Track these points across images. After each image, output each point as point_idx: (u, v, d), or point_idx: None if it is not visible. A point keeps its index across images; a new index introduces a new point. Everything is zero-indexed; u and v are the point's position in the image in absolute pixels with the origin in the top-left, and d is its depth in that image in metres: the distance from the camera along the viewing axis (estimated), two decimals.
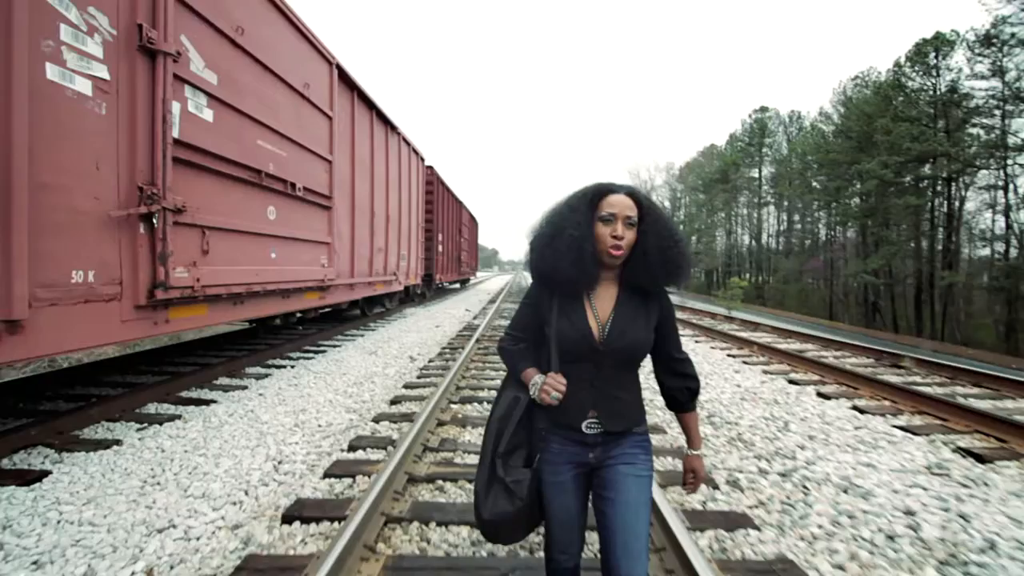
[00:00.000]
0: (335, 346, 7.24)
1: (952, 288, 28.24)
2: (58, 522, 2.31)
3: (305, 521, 2.26)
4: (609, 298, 1.25)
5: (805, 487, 2.64)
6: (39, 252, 2.54)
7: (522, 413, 1.26)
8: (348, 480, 2.72)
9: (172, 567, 1.98)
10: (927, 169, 28.64)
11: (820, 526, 2.25)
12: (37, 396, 4.29)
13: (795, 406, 4.13)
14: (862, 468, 2.86)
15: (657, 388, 1.37)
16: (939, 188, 29.74)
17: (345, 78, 6.60)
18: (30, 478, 2.74)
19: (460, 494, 2.57)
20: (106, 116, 2.96)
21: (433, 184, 14.24)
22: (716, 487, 2.68)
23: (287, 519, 2.28)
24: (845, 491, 2.60)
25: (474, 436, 3.44)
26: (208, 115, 3.80)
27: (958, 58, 28.59)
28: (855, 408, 4.07)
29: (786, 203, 45.44)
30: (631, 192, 1.23)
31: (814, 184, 39.26)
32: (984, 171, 28.08)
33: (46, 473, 2.81)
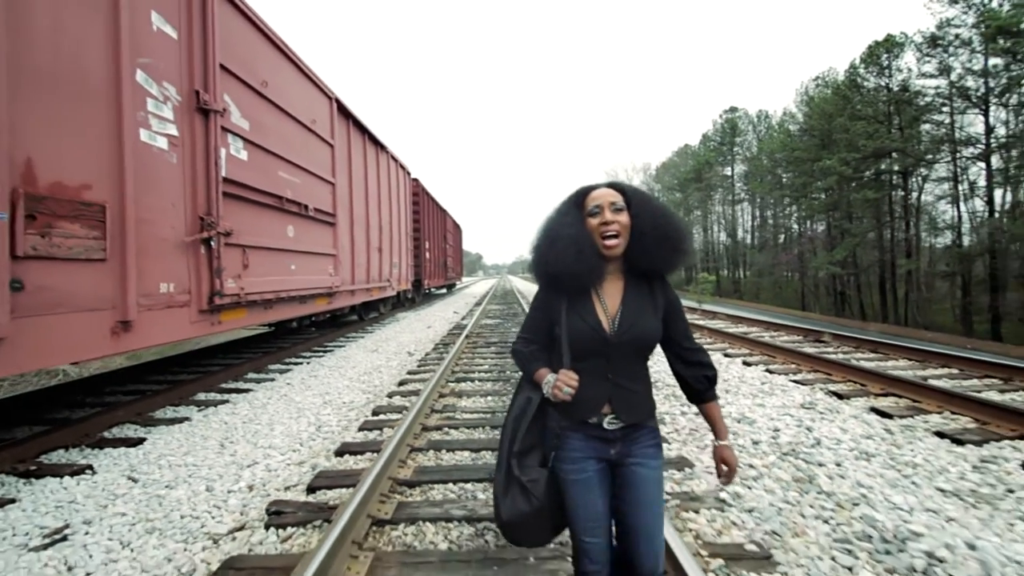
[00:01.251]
0: (340, 346, 8.11)
1: (911, 275, 29.91)
2: (169, 466, 3.19)
3: (352, 454, 3.19)
4: (616, 291, 1.28)
5: None
6: (140, 271, 3.42)
7: (535, 412, 1.29)
8: (377, 432, 3.65)
9: (264, 484, 2.88)
10: (883, 165, 30.37)
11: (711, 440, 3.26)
12: (98, 391, 5.11)
13: (724, 372, 5.18)
14: (755, 407, 3.90)
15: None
16: (896, 182, 31.44)
17: (343, 109, 7.51)
18: (133, 442, 3.61)
19: (460, 436, 3.52)
20: (176, 164, 3.86)
21: (419, 195, 15.15)
22: None
23: (338, 454, 3.21)
24: (738, 421, 3.62)
25: (468, 403, 4.39)
26: (244, 155, 4.70)
27: (908, 59, 30.27)
28: (767, 370, 5.17)
29: (758, 200, 47.17)
30: (611, 183, 1.29)
31: (784, 179, 40.97)
32: (938, 164, 29.88)
33: (143, 439, 3.68)
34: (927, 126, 29.10)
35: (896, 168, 30.27)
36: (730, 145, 50.01)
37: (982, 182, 27.08)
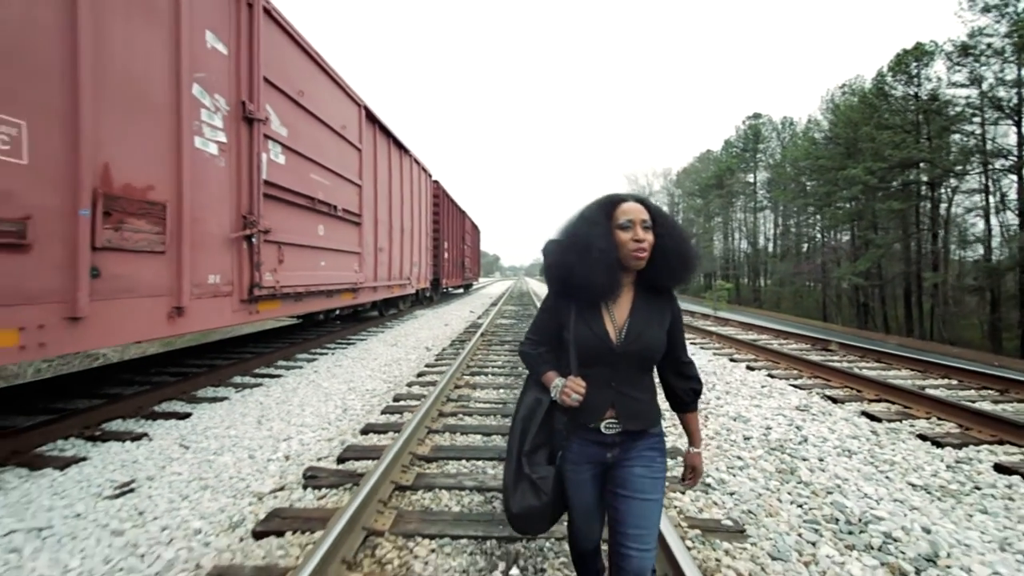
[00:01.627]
0: (362, 339, 8.52)
1: (938, 288, 29.22)
2: (215, 437, 3.57)
3: (376, 432, 3.54)
4: (625, 303, 1.30)
5: (707, 416, 3.90)
6: (193, 263, 3.82)
7: (544, 414, 1.34)
8: (397, 416, 3.99)
9: (299, 455, 3.24)
10: (911, 175, 29.77)
11: (707, 435, 3.51)
12: (143, 371, 5.57)
13: (727, 376, 5.38)
14: (752, 408, 4.12)
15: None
16: (924, 192, 30.76)
17: (370, 116, 7.92)
18: (181, 415, 4.02)
19: (473, 422, 3.83)
20: (224, 168, 4.26)
21: (439, 197, 15.57)
22: None
23: (363, 432, 3.56)
24: (734, 419, 3.86)
25: (482, 394, 4.70)
26: (281, 160, 5.10)
27: (938, 67, 29.61)
28: (769, 375, 5.36)
29: (781, 207, 46.55)
30: (640, 199, 1.30)
31: (808, 187, 40.37)
32: (969, 176, 29.14)
33: (189, 414, 4.08)
34: (957, 136, 28.46)
35: (924, 179, 29.63)
36: (753, 152, 49.45)
37: (1014, 195, 26.38)
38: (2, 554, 2.12)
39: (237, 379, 5.36)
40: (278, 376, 5.53)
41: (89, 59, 2.91)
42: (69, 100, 2.81)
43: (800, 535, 2.20)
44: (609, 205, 1.29)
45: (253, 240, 4.55)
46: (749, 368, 5.81)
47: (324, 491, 2.64)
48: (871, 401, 4.31)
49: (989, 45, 26.06)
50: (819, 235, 42.45)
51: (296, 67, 5.44)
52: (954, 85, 27.91)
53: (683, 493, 2.58)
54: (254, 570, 1.91)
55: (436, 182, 15.22)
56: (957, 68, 27.73)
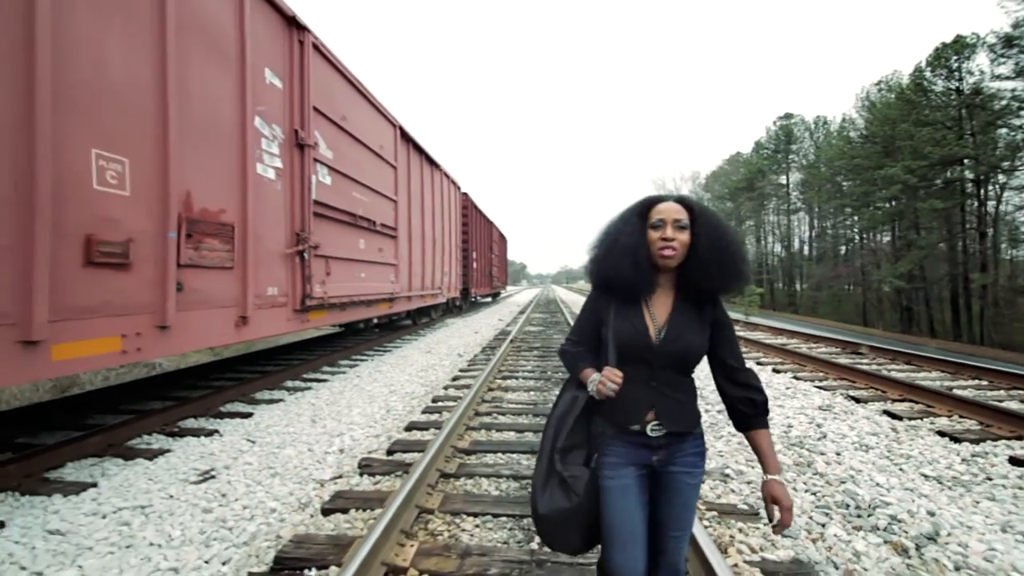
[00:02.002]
0: (397, 347, 8.95)
1: (987, 290, 27.86)
2: (276, 433, 3.98)
3: (420, 428, 3.88)
4: (666, 304, 1.29)
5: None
6: (255, 277, 4.28)
7: (580, 411, 1.30)
8: (437, 415, 4.32)
9: (351, 448, 3.60)
10: (951, 173, 28.64)
11: (728, 433, 3.69)
12: (205, 376, 6.11)
13: None
14: (775, 407, 4.27)
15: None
16: (969, 190, 29.49)
17: (405, 135, 8.41)
18: (244, 415, 4.47)
19: (507, 420, 4.12)
20: (280, 190, 4.73)
21: (468, 208, 16.05)
22: None
23: (407, 429, 3.90)
24: None
25: (513, 396, 4.99)
26: (328, 180, 5.57)
27: (980, 60, 28.50)
28: (795, 377, 5.45)
29: (816, 209, 45.30)
30: (680, 199, 1.29)
31: (844, 187, 39.18)
32: (1019, 171, 27.79)
33: (251, 414, 4.53)
34: (1004, 131, 27.23)
35: (969, 176, 28.41)
36: (785, 153, 48.37)
37: None
38: (116, 525, 2.53)
39: (289, 383, 5.83)
40: (325, 380, 5.97)
41: (175, 103, 3.39)
42: (160, 139, 3.29)
43: (811, 517, 2.39)
44: (645, 205, 1.31)
45: (305, 255, 5.00)
46: (775, 371, 5.91)
47: (378, 478, 2.98)
48: (895, 401, 4.38)
49: None
50: (857, 236, 41.09)
51: (340, 94, 5.93)
52: (999, 78, 26.78)
53: (703, 482, 2.79)
54: (327, 538, 2.25)
55: (465, 194, 15.71)
56: (1002, 60, 26.61)
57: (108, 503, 2.76)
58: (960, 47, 29.13)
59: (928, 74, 30.22)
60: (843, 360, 6.58)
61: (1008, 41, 25.75)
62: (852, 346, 7.51)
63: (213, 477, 3.13)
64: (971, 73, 28.52)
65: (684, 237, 1.24)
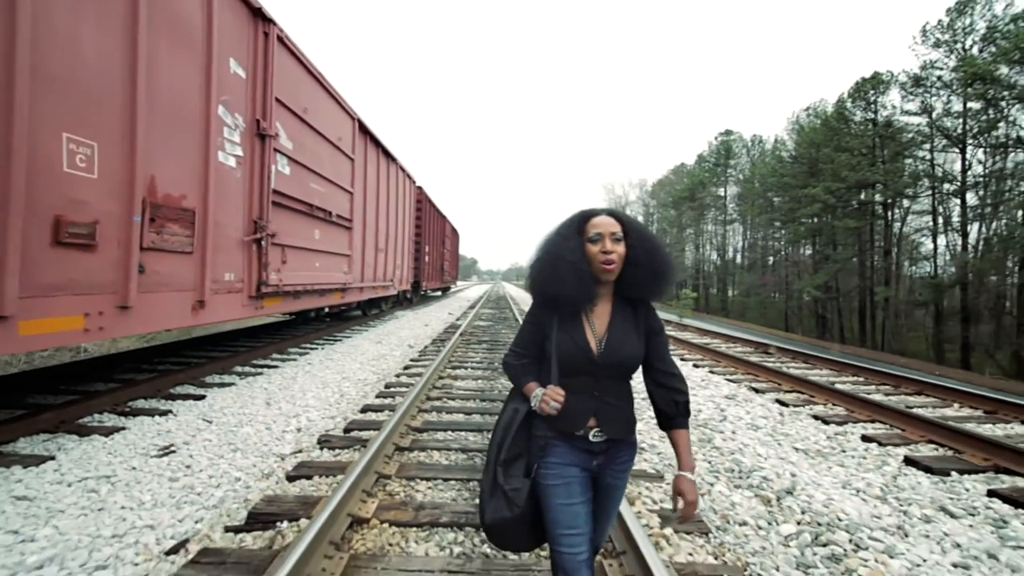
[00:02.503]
0: (348, 337, 9.06)
1: (888, 302, 31.15)
2: (232, 414, 4.13)
3: (374, 411, 4.17)
4: (604, 313, 1.34)
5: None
6: (213, 262, 4.38)
7: (520, 423, 1.36)
8: (390, 399, 4.62)
9: (308, 428, 3.84)
10: (864, 196, 31.78)
11: (648, 416, 4.26)
12: (148, 360, 6.03)
13: None
14: (690, 396, 4.90)
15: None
16: (878, 212, 32.77)
17: (363, 128, 8.52)
18: (197, 397, 4.56)
19: (455, 405, 4.49)
20: (240, 178, 4.83)
21: (422, 202, 16.15)
22: None
23: (362, 411, 4.18)
24: None
25: (462, 384, 5.36)
26: (287, 170, 5.68)
27: (893, 96, 31.70)
28: (710, 371, 6.21)
29: (749, 221, 48.53)
30: (611, 212, 1.34)
31: (775, 203, 42.26)
32: (919, 198, 31.24)
33: (203, 396, 4.62)
34: (909, 161, 30.50)
35: (879, 199, 31.63)
36: (724, 167, 51.44)
37: (958, 217, 28.48)
38: (84, 492, 2.68)
39: (238, 368, 5.89)
40: (276, 367, 6.07)
41: (144, 88, 3.48)
42: (128, 124, 3.38)
43: (703, 479, 2.95)
44: (581, 220, 1.35)
45: (262, 243, 5.11)
46: (695, 366, 6.66)
47: (337, 451, 3.27)
48: (786, 392, 5.18)
49: (939, 78, 28.00)
50: (784, 249, 44.54)
51: (302, 86, 6.03)
52: (907, 113, 29.95)
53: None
54: (295, 497, 2.54)
55: (419, 188, 15.81)
56: (910, 97, 29.73)
57: (71, 473, 2.88)
58: (877, 82, 32.20)
59: (849, 104, 33.24)
60: (754, 358, 7.48)
61: (916, 81, 28.83)
62: (763, 347, 8.51)
63: (174, 452, 3.29)
64: (884, 107, 31.67)
65: (621, 249, 1.29)
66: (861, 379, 6.03)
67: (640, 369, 1.39)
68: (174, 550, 2.15)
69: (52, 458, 3.09)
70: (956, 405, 4.80)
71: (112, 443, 3.39)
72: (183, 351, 6.76)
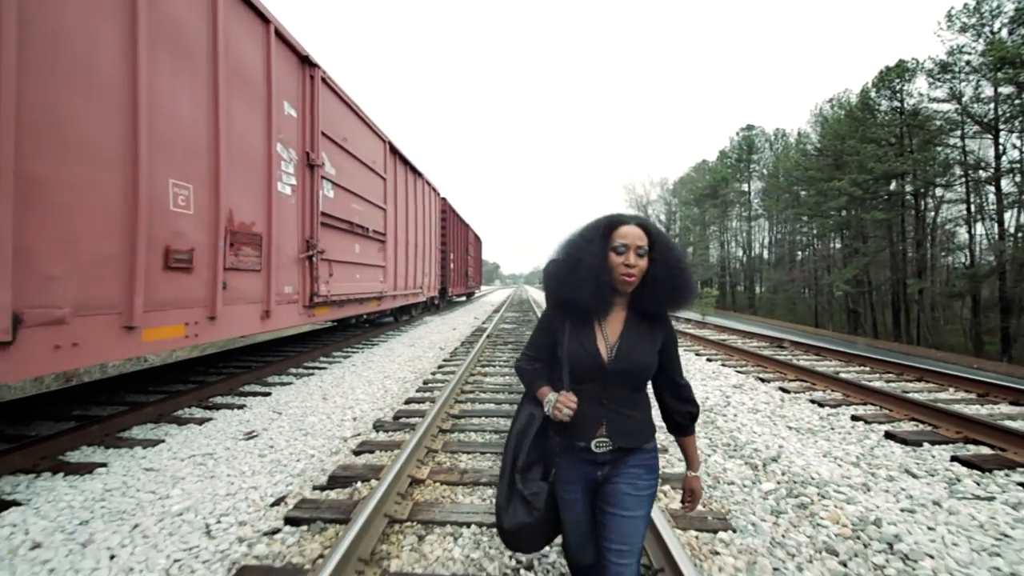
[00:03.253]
0: (383, 341, 9.78)
1: (923, 294, 30.34)
2: (296, 407, 4.82)
3: (416, 402, 4.80)
4: (618, 322, 1.33)
5: None
6: (276, 278, 5.10)
7: (537, 428, 1.39)
8: (429, 393, 5.24)
9: (362, 417, 4.48)
10: (893, 186, 31.10)
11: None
12: (212, 365, 6.83)
13: (689, 366, 6.65)
14: (699, 386, 5.37)
15: None
16: (908, 202, 31.97)
17: (393, 149, 9.26)
18: (263, 394, 5.28)
19: (486, 396, 5.07)
20: (295, 204, 5.55)
21: (446, 212, 16.91)
22: None
23: (406, 403, 4.82)
24: None
25: (491, 380, 5.95)
26: (331, 194, 6.40)
27: (920, 84, 30.94)
28: (722, 365, 6.62)
29: (775, 216, 47.80)
30: (641, 223, 1.31)
31: (802, 195, 41.50)
32: (953, 186, 30.39)
33: (269, 393, 5.34)
34: (939, 149, 29.70)
35: (908, 190, 30.90)
36: (747, 162, 50.87)
37: (994, 204, 27.61)
38: (195, 466, 3.36)
39: (293, 370, 6.63)
40: (324, 368, 6.79)
41: (223, 137, 4.20)
42: (213, 167, 4.11)
43: (701, 452, 3.45)
44: (609, 226, 1.32)
45: (313, 259, 5.83)
46: (708, 360, 7.08)
47: (391, 433, 3.89)
48: (790, 381, 5.57)
49: (967, 63, 27.27)
50: (815, 242, 43.63)
51: (341, 118, 6.77)
52: (935, 100, 29.23)
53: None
54: (364, 466, 3.16)
55: (444, 199, 16.56)
56: (937, 84, 29.00)
57: (181, 451, 3.59)
58: (902, 70, 31.50)
59: (874, 94, 32.60)
60: (766, 352, 7.84)
61: (943, 67, 28.13)
62: (778, 342, 8.81)
63: (257, 436, 3.97)
64: (911, 95, 30.94)
65: (643, 264, 1.29)
66: (866, 368, 6.34)
67: (652, 382, 1.41)
68: (276, 503, 2.79)
69: (163, 441, 3.81)
70: (951, 389, 5.13)
71: (206, 430, 4.10)
72: (240, 357, 7.56)
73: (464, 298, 27.41)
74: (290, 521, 2.51)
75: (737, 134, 51.62)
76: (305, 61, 5.73)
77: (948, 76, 28.54)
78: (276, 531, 2.45)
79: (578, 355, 1.30)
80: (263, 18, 4.87)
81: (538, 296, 33.76)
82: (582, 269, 1.28)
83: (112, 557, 2.26)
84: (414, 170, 11.15)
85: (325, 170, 6.18)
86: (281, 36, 5.19)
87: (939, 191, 31.13)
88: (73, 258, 2.90)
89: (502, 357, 7.53)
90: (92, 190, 3.01)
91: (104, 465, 3.33)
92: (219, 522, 2.56)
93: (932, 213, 32.14)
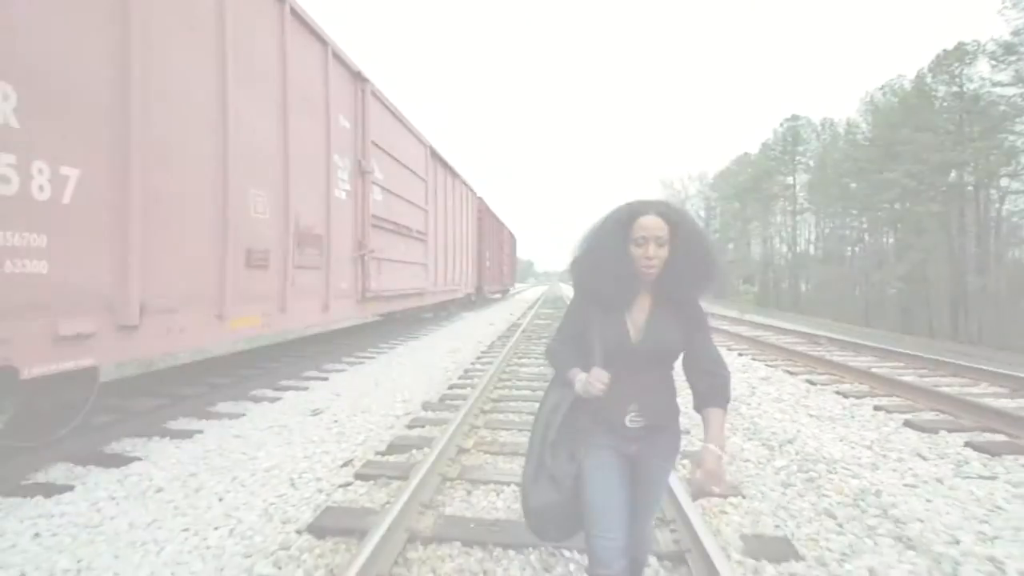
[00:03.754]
0: (424, 335, 10.36)
1: (985, 291, 28.56)
2: (353, 389, 5.37)
3: (459, 388, 5.27)
4: (645, 306, 1.38)
5: None
6: (334, 274, 5.66)
7: (567, 410, 1.41)
8: (470, 379, 5.70)
9: (411, 399, 4.97)
10: (952, 177, 29.38)
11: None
12: (276, 355, 7.54)
13: None
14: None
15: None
16: (968, 194, 30.15)
17: (434, 153, 9.80)
18: (322, 379, 5.88)
19: (522, 383, 5.47)
20: (348, 208, 6.12)
21: (482, 211, 17.42)
22: None
23: (450, 388, 5.29)
24: None
25: (526, 369, 6.35)
26: (380, 197, 6.96)
27: (981, 67, 29.05)
28: (752, 359, 6.77)
29: (822, 210, 45.88)
30: (661, 212, 1.32)
31: (852, 187, 39.62)
32: (1022, 175, 28.44)
33: (327, 378, 5.94)
34: (1003, 136, 27.87)
35: (969, 180, 29.14)
36: (792, 154, 49.02)
37: None
38: (273, 435, 3.92)
39: (345, 359, 7.25)
40: (372, 358, 7.38)
41: (291, 150, 4.77)
42: (283, 177, 4.68)
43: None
44: (628, 218, 1.34)
45: (365, 257, 6.39)
46: (740, 355, 7.23)
47: (438, 412, 4.37)
48: (820, 374, 5.69)
49: None
50: (865, 237, 41.64)
51: (388, 127, 7.32)
52: (998, 85, 27.44)
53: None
54: (417, 437, 3.63)
55: (480, 199, 17.08)
56: (1001, 67, 27.24)
57: (260, 423, 4.17)
58: (961, 53, 29.71)
59: (930, 80, 30.86)
60: (800, 348, 7.88)
61: (1008, 48, 26.38)
62: (814, 338, 8.79)
63: (321, 413, 4.53)
64: (971, 80, 29.12)
65: (664, 253, 1.31)
66: (901, 364, 6.35)
67: (682, 363, 1.43)
68: (345, 464, 3.29)
69: (244, 415, 4.42)
70: (984, 384, 5.13)
71: (277, 407, 4.69)
72: (297, 348, 8.27)
73: (499, 295, 27.93)
74: (359, 477, 3.00)
75: (781, 125, 49.78)
76: (357, 76, 6.28)
77: (1013, 58, 26.75)
78: (348, 484, 2.94)
79: (607, 337, 1.36)
80: (321, 40, 5.43)
81: (571, 294, 33.92)
82: (604, 262, 1.35)
83: (220, 499, 2.80)
84: (452, 172, 11.67)
85: (375, 176, 6.73)
86: (337, 55, 5.75)
87: (1004, 181, 29.18)
88: (180, 258, 3.49)
89: (537, 350, 7.93)
90: (193, 200, 3.60)
91: (201, 432, 3.94)
92: (300, 477, 3.07)
93: (996, 205, 30.16)
